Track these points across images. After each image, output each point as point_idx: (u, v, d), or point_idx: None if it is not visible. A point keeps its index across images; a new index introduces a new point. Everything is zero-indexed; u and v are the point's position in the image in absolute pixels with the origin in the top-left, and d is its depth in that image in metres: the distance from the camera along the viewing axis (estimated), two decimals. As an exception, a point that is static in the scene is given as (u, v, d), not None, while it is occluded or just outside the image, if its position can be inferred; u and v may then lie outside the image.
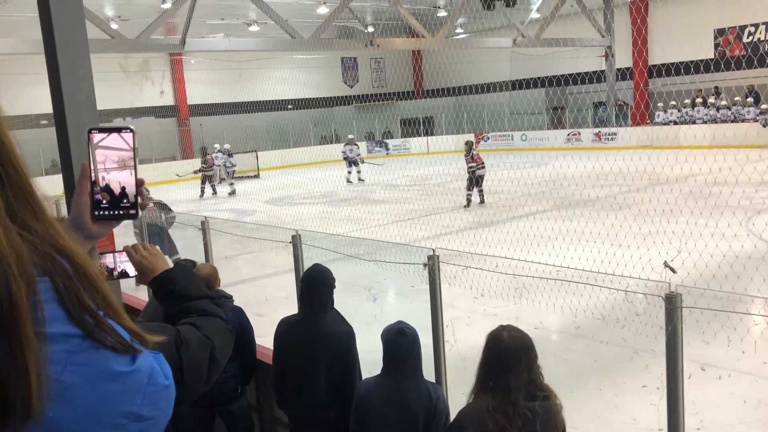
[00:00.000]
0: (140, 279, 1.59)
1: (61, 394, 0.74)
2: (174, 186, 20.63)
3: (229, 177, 22.15)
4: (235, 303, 4.19)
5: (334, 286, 3.51)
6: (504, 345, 2.52)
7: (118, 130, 1.19)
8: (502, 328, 2.60)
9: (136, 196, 1.19)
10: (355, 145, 21.55)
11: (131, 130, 1.19)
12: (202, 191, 21.34)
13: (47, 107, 4.73)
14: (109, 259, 1.68)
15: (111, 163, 1.17)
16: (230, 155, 22.71)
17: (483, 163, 14.81)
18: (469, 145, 15.35)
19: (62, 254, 0.78)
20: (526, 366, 2.47)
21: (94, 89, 4.73)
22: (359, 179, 21.58)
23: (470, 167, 14.61)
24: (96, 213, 1.18)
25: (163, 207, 9.29)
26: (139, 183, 1.19)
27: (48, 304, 0.74)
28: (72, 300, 0.77)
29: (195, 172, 21.64)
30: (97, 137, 1.17)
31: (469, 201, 14.44)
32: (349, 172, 21.37)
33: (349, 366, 3.46)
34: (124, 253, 1.62)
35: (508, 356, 2.48)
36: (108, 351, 0.78)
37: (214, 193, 21.42)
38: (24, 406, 0.70)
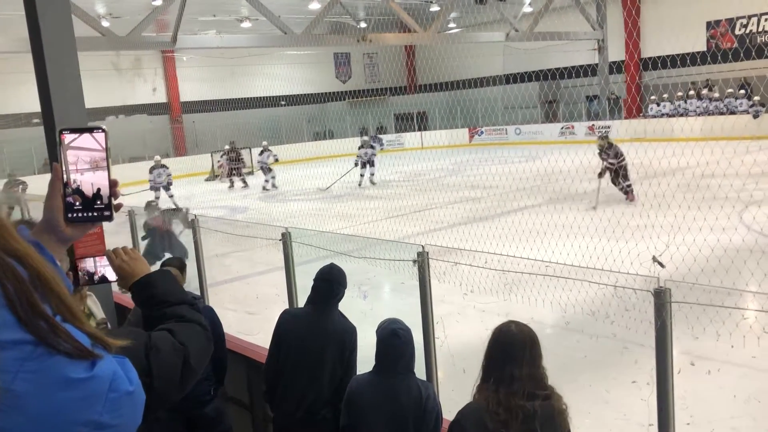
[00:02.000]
0: (120, 283, 1.58)
1: (13, 403, 0.71)
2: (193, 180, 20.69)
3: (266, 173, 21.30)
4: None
5: (346, 287, 3.61)
6: (511, 334, 2.53)
7: (90, 130, 1.17)
8: (511, 321, 2.62)
9: (110, 198, 1.17)
10: (371, 147, 20.15)
11: (103, 130, 1.17)
12: (232, 183, 22.47)
13: (36, 106, 4.72)
14: (89, 264, 1.67)
15: (83, 164, 1.15)
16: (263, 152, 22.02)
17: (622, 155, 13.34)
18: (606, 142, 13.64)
19: (14, 257, 0.76)
20: (530, 359, 2.47)
21: (83, 87, 4.74)
22: (371, 182, 20.00)
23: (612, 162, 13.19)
24: (69, 215, 1.16)
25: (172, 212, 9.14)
26: (113, 184, 1.17)
27: None
28: (23, 305, 0.74)
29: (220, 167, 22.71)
30: (68, 138, 1.15)
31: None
32: (362, 175, 19.85)
33: (351, 363, 3.51)
34: (105, 257, 1.61)
35: (514, 345, 2.49)
36: (63, 357, 0.76)
37: (245, 185, 22.11)
38: None
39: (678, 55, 24.27)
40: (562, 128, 27.56)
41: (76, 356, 0.77)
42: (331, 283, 3.57)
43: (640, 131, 22.91)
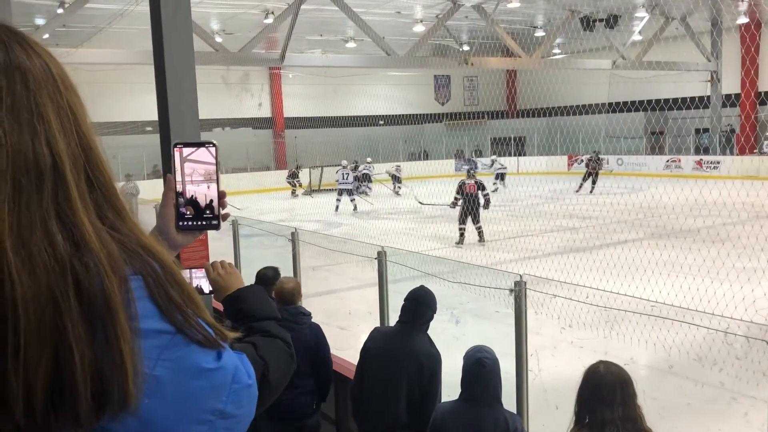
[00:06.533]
0: (215, 296, 1.62)
1: (155, 388, 0.76)
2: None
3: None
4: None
5: (435, 311, 3.57)
6: (599, 376, 2.47)
7: (203, 144, 1.22)
8: (600, 362, 2.53)
9: (218, 209, 1.22)
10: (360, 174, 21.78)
11: (215, 145, 1.22)
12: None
13: (153, 115, 4.99)
14: (185, 275, 1.72)
15: (198, 176, 1.21)
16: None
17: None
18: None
19: (149, 253, 0.81)
20: (622, 400, 2.39)
21: (197, 99, 4.96)
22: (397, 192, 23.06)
23: None
24: (180, 224, 1.22)
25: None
26: (221, 195, 1.22)
27: (140, 301, 0.76)
28: (162, 297, 0.79)
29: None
30: (185, 151, 1.21)
31: None
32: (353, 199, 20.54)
33: (431, 390, 3.44)
34: (202, 269, 1.65)
35: (603, 387, 2.42)
36: (196, 347, 0.80)
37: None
38: (121, 397, 0.72)
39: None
40: (667, 161, 26.45)
41: (206, 345, 0.82)
42: (419, 304, 3.55)
43: (752, 169, 21.68)
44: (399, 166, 26.24)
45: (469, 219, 13.05)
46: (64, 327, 0.70)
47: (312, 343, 3.81)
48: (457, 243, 12.90)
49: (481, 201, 13.30)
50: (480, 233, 13.06)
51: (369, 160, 26.02)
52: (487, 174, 29.45)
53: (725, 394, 5.26)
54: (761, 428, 2.58)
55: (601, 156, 22.74)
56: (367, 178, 24.45)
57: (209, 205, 1.21)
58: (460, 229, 13.03)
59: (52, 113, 0.77)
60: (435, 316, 3.61)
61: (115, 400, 0.72)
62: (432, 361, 3.46)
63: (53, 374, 0.70)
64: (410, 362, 3.43)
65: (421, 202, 17.99)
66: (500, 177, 24.91)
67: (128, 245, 0.79)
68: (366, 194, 22.54)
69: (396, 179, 25.18)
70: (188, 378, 0.79)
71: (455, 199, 13.50)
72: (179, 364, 0.78)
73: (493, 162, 25.88)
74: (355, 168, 23.48)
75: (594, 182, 21.93)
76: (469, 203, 13.08)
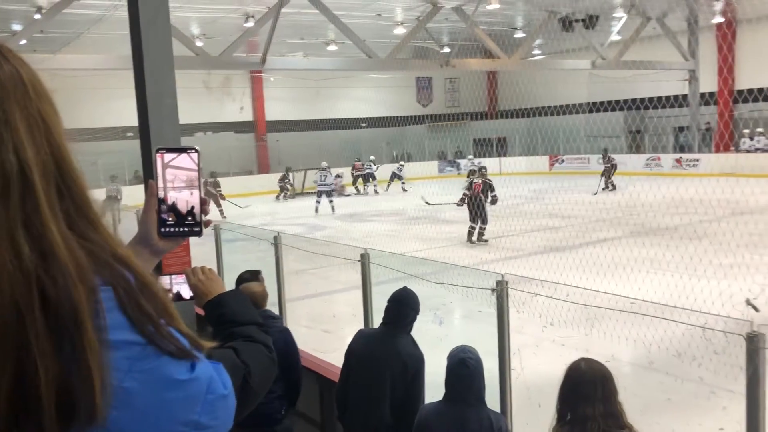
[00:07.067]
0: (196, 302, 1.61)
1: (124, 400, 0.74)
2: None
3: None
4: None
5: (418, 312, 3.59)
6: (580, 373, 2.49)
7: (185, 150, 1.21)
8: (581, 359, 2.56)
9: (201, 215, 1.22)
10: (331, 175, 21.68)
11: (197, 150, 1.22)
12: (358, 190, 26.15)
13: (134, 120, 4.97)
14: (165, 281, 1.71)
15: (179, 182, 1.20)
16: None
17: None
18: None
19: (121, 263, 0.80)
20: (603, 397, 2.41)
21: (177, 104, 4.95)
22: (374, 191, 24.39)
23: None
24: (162, 230, 1.21)
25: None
26: (203, 202, 1.22)
27: (110, 312, 0.75)
28: (133, 308, 0.77)
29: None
30: (167, 156, 1.20)
31: None
32: (318, 202, 20.79)
33: (415, 391, 3.46)
34: (182, 275, 1.65)
35: (583, 384, 2.45)
36: (168, 358, 0.79)
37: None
38: (88, 410, 0.71)
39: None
40: (647, 159, 26.71)
41: (179, 356, 0.80)
42: (401, 305, 3.57)
43: (730, 166, 21.96)
44: (402, 165, 27.23)
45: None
46: (27, 340, 0.69)
47: (281, 346, 3.75)
48: (468, 240, 12.97)
49: (485, 200, 13.26)
50: (481, 232, 13.02)
51: (372, 158, 27.13)
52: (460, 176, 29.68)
53: (704, 389, 5.34)
54: (740, 421, 2.64)
55: (610, 155, 22.81)
56: (371, 176, 26.12)
57: (190, 212, 1.21)
58: (471, 227, 13.06)
59: (21, 121, 0.75)
60: (418, 317, 3.63)
61: (81, 414, 0.71)
62: (415, 361, 3.47)
63: (16, 388, 0.69)
64: (393, 363, 3.45)
65: (428, 202, 18.07)
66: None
67: (99, 255, 0.78)
68: (345, 195, 22.95)
69: (399, 178, 26.39)
70: (160, 390, 0.78)
71: (464, 196, 13.56)
72: (150, 376, 0.77)
73: (470, 162, 26.78)
74: (362, 166, 26.13)
75: (607, 180, 21.94)
76: (473, 202, 13.10)
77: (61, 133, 0.80)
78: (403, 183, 26.19)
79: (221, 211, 21.08)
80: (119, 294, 0.77)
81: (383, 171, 26.85)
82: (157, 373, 0.78)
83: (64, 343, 0.71)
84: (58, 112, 0.81)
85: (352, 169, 26.55)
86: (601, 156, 23.04)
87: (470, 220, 13.11)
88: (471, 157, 28.54)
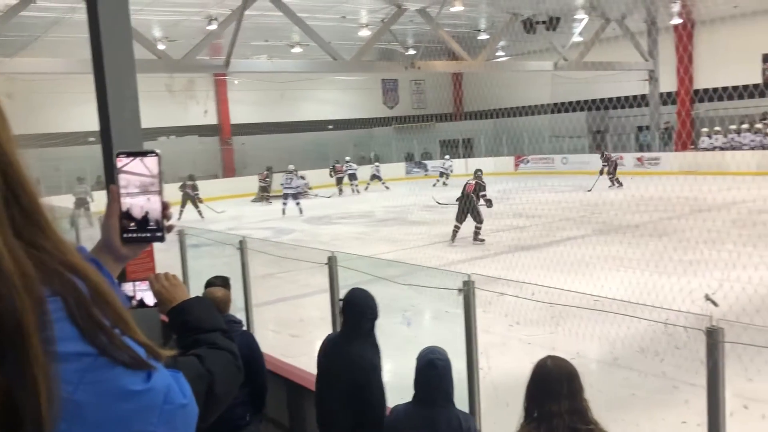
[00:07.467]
0: (159, 309, 1.60)
1: (74, 413, 0.73)
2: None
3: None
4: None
5: (375, 311, 3.45)
6: (546, 370, 2.51)
7: (144, 154, 1.19)
8: (547, 356, 2.59)
9: (162, 220, 1.20)
10: (298, 178, 21.62)
11: (157, 154, 1.20)
12: (340, 191, 26.04)
13: (96, 125, 4.88)
14: (128, 287, 1.69)
15: (133, 188, 1.18)
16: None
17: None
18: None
19: (73, 271, 0.78)
20: (569, 393, 2.44)
21: (139, 108, 4.89)
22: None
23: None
24: (124, 236, 1.19)
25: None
26: (165, 207, 1.20)
27: (59, 323, 0.73)
28: (84, 318, 0.75)
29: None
30: (120, 162, 1.18)
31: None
32: (285, 204, 20.71)
33: (368, 397, 3.37)
34: (146, 282, 1.63)
35: (550, 381, 2.47)
36: (122, 368, 0.77)
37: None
38: (34, 424, 0.69)
39: (731, 87, 23.79)
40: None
41: (133, 367, 0.78)
42: (352, 308, 3.47)
43: (689, 165, 22.46)
44: (378, 166, 27.93)
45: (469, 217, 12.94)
46: None
47: (245, 351, 3.70)
48: (452, 239, 12.93)
49: (477, 201, 13.18)
50: (476, 232, 12.93)
51: (348, 158, 27.43)
52: (432, 176, 29.85)
53: (667, 383, 5.45)
54: (701, 414, 2.69)
55: (607, 153, 22.93)
56: (353, 177, 26.54)
57: (146, 218, 1.18)
58: (455, 227, 13.01)
59: None
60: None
61: (28, 428, 0.69)
62: (363, 369, 3.38)
63: None
64: (348, 370, 3.38)
65: (438, 202, 18.13)
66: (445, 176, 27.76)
67: (48, 264, 0.76)
68: (310, 196, 22.96)
69: (378, 178, 27.09)
70: (113, 402, 0.76)
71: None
72: (102, 388, 0.75)
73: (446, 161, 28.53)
74: (342, 168, 26.47)
75: (612, 178, 21.86)
76: (464, 202, 13.10)
77: (9, 138, 0.77)
78: (383, 182, 26.87)
79: (200, 212, 20.94)
80: (69, 304, 0.75)
81: (361, 172, 27.33)
82: (110, 385, 0.76)
83: (8, 356, 0.69)
84: (5, 116, 0.78)
85: (333, 171, 26.98)
86: (600, 155, 23.16)
87: (456, 219, 13.08)
88: (448, 157, 29.30)
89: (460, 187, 13.55)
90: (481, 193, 13.31)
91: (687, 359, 4.48)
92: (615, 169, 21.99)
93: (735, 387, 4.98)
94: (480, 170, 14.27)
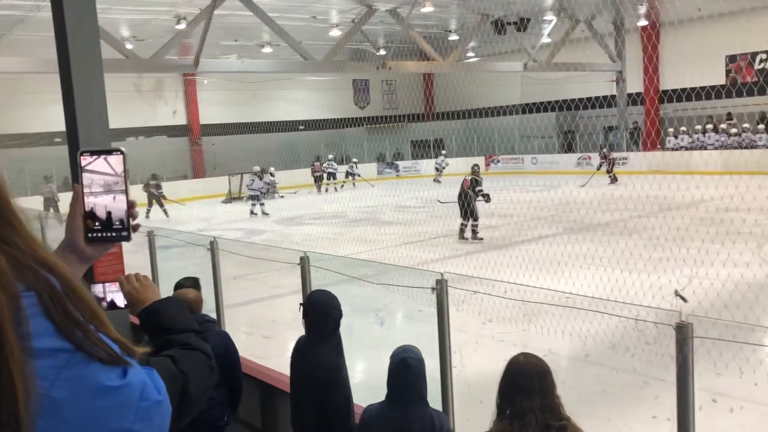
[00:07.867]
0: (131, 310, 1.56)
1: (52, 410, 0.72)
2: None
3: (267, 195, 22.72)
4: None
5: (337, 311, 3.37)
6: (518, 367, 2.53)
7: (108, 152, 1.17)
8: (520, 354, 2.60)
9: (128, 219, 1.18)
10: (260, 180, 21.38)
11: (121, 152, 1.18)
12: (318, 188, 26.70)
13: (62, 125, 4.79)
14: (98, 289, 1.66)
15: (97, 187, 1.16)
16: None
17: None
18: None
19: (45, 267, 0.77)
20: (540, 390, 2.45)
21: (107, 108, 4.80)
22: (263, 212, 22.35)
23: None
24: (89, 235, 1.17)
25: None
26: (130, 205, 1.18)
27: (34, 318, 0.73)
28: (59, 313, 0.75)
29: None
30: (84, 160, 1.16)
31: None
32: (253, 204, 20.67)
33: (334, 399, 3.33)
34: (116, 283, 1.60)
35: (522, 378, 2.48)
36: (99, 364, 0.77)
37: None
38: (11, 421, 0.68)
39: (696, 88, 24.24)
40: (579, 158, 27.50)
41: (109, 363, 0.78)
42: (312, 310, 3.40)
43: (656, 164, 22.85)
44: (355, 163, 28.55)
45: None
46: None
47: (221, 350, 3.64)
48: (460, 237, 12.88)
49: (474, 196, 13.05)
50: (473, 230, 12.88)
51: (330, 157, 28.10)
52: (410, 177, 29.93)
53: (638, 379, 5.52)
54: (671, 408, 2.73)
55: (606, 151, 23.42)
56: (333, 176, 27.17)
57: (110, 217, 1.17)
58: (462, 224, 12.94)
59: None
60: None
61: (5, 425, 0.68)
62: (330, 369, 3.34)
63: None
64: (309, 373, 3.35)
65: (440, 201, 18.12)
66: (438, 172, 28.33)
67: (21, 260, 0.75)
68: (277, 197, 22.95)
69: (354, 175, 27.72)
70: (90, 398, 0.75)
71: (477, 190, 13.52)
72: (79, 384, 0.75)
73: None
74: (320, 166, 27.01)
75: (610, 174, 22.70)
76: (462, 199, 13.03)
77: None
78: (359, 177, 27.52)
79: (165, 210, 20.71)
80: (44, 299, 0.74)
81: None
82: (87, 381, 0.75)
83: None
84: None
85: (313, 170, 27.32)
86: (599, 153, 23.82)
87: (461, 216, 12.99)
88: (444, 152, 29.78)
89: (457, 186, 13.56)
90: (477, 189, 13.31)
91: (657, 354, 4.54)
92: (613, 166, 22.83)
93: (704, 381, 5.05)
94: (477, 165, 14.30)
